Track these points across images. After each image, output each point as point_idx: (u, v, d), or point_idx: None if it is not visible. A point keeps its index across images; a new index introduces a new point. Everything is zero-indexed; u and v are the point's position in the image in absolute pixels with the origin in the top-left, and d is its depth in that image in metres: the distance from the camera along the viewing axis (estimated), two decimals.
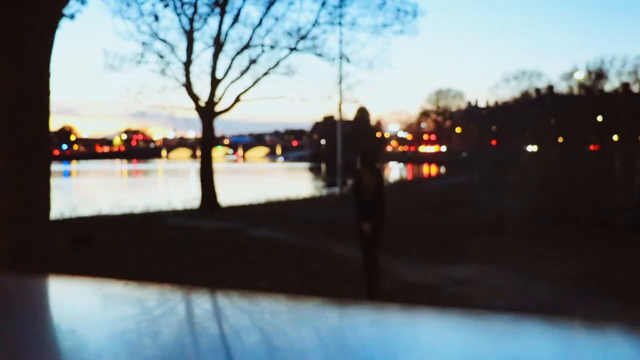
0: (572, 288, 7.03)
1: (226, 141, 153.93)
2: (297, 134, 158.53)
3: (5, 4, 4.03)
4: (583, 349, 0.39)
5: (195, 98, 19.29)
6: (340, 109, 23.27)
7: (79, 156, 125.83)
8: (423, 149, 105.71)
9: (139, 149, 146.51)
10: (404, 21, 20.55)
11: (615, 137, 37.96)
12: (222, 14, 19.05)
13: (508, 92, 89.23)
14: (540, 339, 0.40)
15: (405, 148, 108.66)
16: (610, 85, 54.16)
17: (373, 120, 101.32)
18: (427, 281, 7.58)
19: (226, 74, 19.47)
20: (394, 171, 61.68)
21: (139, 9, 18.86)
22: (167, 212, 17.83)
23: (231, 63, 19.53)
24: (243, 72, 19.80)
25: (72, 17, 9.27)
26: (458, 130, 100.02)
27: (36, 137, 4.22)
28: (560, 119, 46.16)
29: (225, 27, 19.23)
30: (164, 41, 19.26)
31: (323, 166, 72.99)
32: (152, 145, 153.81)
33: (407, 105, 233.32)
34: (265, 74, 19.97)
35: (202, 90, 20.19)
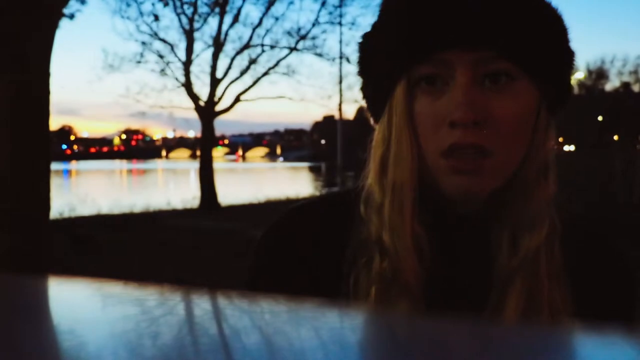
0: None
1: (226, 141, 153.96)
2: (297, 134, 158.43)
3: (5, 3, 4.03)
4: (583, 349, 0.39)
5: (195, 98, 19.31)
6: (340, 109, 23.30)
7: (79, 156, 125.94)
8: None
9: (138, 149, 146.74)
10: None
11: (615, 137, 37.99)
12: (222, 13, 19.07)
13: None
14: (540, 339, 0.40)
15: None
16: (611, 85, 54.29)
17: None
18: None
19: (226, 73, 19.49)
20: None
21: (139, 8, 18.88)
22: (166, 212, 17.85)
23: (231, 63, 19.55)
24: (243, 72, 19.82)
25: (71, 16, 9.28)
26: None
27: (36, 137, 4.23)
28: (561, 119, 46.12)
29: (225, 26, 19.26)
30: (164, 41, 19.30)
31: (323, 166, 73.04)
32: (151, 145, 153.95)
33: None
34: (265, 73, 19.99)
35: (202, 90, 20.27)
